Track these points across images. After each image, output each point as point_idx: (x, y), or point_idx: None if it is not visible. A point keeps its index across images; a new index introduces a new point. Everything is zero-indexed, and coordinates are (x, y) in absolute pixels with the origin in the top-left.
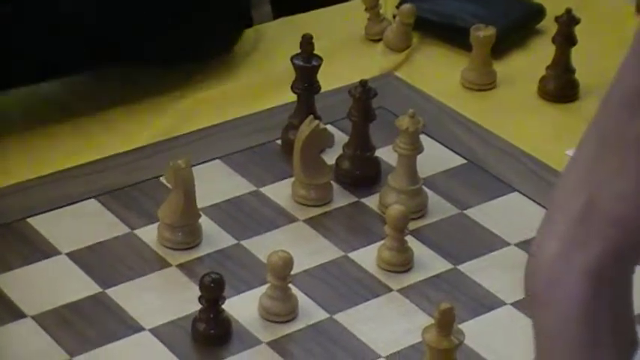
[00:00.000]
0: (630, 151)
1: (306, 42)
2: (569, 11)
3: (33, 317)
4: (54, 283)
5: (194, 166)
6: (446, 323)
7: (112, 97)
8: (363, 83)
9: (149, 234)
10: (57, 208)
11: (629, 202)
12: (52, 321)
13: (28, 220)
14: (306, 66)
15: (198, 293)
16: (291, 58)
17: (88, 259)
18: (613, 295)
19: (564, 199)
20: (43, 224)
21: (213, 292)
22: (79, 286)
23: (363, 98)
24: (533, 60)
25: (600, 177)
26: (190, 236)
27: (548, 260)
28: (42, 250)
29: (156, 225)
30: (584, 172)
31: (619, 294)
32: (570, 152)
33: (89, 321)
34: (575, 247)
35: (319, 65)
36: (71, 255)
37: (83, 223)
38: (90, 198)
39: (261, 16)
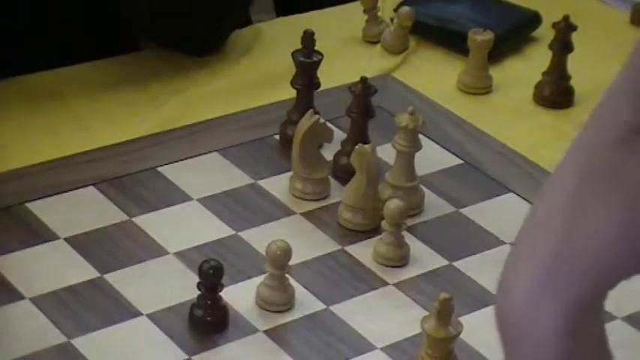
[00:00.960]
0: (619, 191)
1: (308, 37)
2: (566, 18)
3: (31, 299)
4: (52, 267)
5: (191, 157)
6: (445, 313)
7: (110, 89)
8: (363, 80)
9: (146, 221)
10: (55, 194)
11: (608, 248)
12: (50, 304)
13: (27, 205)
14: (307, 61)
15: (196, 281)
16: (292, 54)
17: (86, 244)
18: (586, 346)
19: (534, 238)
20: (41, 209)
21: (211, 279)
22: (78, 270)
23: (363, 95)
24: (529, 66)
25: (578, 217)
26: (369, 219)
27: (517, 307)
28: (40, 234)
29: (154, 213)
30: (559, 209)
31: (592, 344)
32: None
33: (87, 305)
34: (545, 296)
35: (320, 61)
36: (69, 240)
37: (81, 210)
38: (88, 185)
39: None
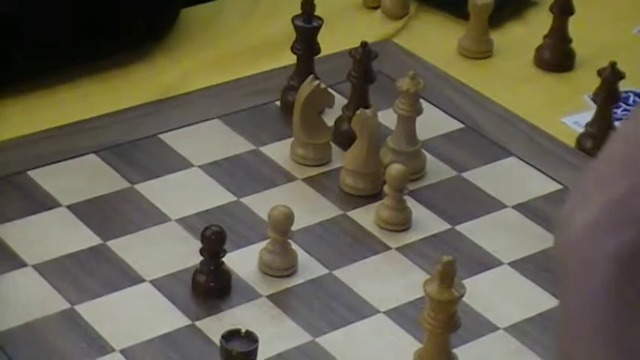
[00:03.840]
0: None
1: (308, 3)
2: None
3: (34, 267)
4: (55, 235)
5: (193, 124)
6: (447, 275)
7: (110, 57)
8: (363, 45)
9: (148, 188)
10: (57, 162)
11: None
12: (53, 271)
13: (29, 172)
14: (307, 27)
15: (198, 247)
16: (292, 19)
17: (88, 211)
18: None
19: (607, 175)
20: (43, 177)
21: (214, 245)
22: (80, 237)
23: (363, 59)
24: (529, 30)
25: None
26: (370, 184)
27: (580, 236)
28: (42, 202)
29: (156, 180)
30: (632, 152)
31: None
32: (565, 119)
33: (90, 272)
34: (609, 229)
35: (320, 26)
36: (71, 208)
37: (83, 177)
38: (90, 153)
39: None
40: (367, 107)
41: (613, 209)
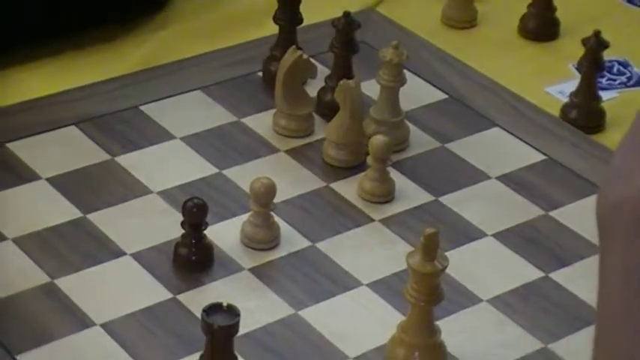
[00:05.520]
0: None
1: None
2: None
3: (13, 240)
4: (34, 207)
5: (174, 96)
6: (430, 248)
7: (91, 28)
8: (346, 14)
9: (129, 160)
10: (36, 133)
11: None
12: (32, 244)
13: (8, 145)
14: None
15: (180, 220)
16: None
17: (68, 184)
18: None
19: None
20: (22, 149)
21: (195, 217)
22: (60, 210)
23: (346, 30)
24: None
25: None
26: (353, 155)
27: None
28: (21, 174)
29: (137, 152)
30: None
31: None
32: (550, 89)
33: (70, 245)
34: None
35: None
36: (51, 180)
37: (63, 149)
38: (70, 125)
39: None
40: (350, 78)
41: None
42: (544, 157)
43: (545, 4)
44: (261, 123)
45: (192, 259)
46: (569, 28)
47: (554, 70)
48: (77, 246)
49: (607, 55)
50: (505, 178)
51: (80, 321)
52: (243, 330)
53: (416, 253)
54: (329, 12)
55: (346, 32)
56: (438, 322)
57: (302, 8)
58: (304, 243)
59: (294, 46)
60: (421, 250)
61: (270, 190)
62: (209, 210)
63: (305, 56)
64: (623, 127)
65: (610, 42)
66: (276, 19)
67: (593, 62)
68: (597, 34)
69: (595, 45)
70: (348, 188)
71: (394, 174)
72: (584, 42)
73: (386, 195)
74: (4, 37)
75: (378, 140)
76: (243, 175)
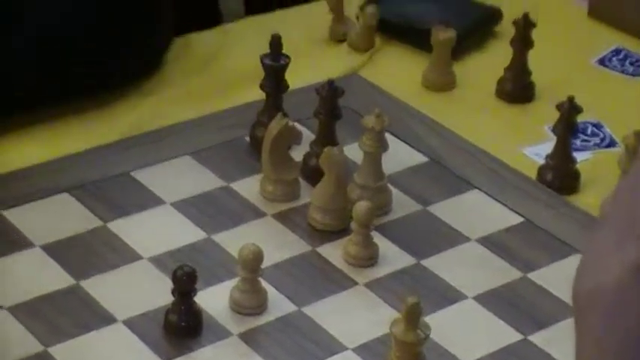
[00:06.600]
0: None
1: (275, 41)
2: (525, 15)
3: (8, 309)
4: (28, 276)
5: (164, 161)
6: (413, 317)
7: (80, 95)
8: (330, 82)
9: (120, 226)
10: (30, 201)
11: None
12: (26, 312)
13: (2, 212)
14: (275, 65)
15: (171, 286)
16: (261, 58)
17: (61, 251)
18: None
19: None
20: (16, 217)
21: (185, 285)
22: (53, 278)
23: (329, 96)
24: (491, 61)
25: None
26: (338, 220)
27: (620, 278)
28: (16, 242)
29: (128, 218)
30: None
31: None
32: (526, 151)
33: (63, 312)
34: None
35: (287, 64)
36: (45, 248)
37: (56, 217)
38: (62, 192)
39: (233, 12)
40: (334, 143)
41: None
42: (522, 220)
43: (521, 68)
44: (249, 187)
45: (182, 326)
46: (544, 91)
47: (530, 132)
48: (69, 314)
49: (581, 117)
50: (484, 241)
51: None
52: None
53: (399, 322)
54: (314, 76)
55: (330, 100)
56: None
57: (288, 71)
58: (291, 308)
59: (280, 114)
60: (404, 319)
61: (258, 257)
62: (198, 276)
63: (291, 124)
64: (597, 188)
65: (583, 104)
66: (263, 87)
67: (568, 126)
68: (571, 99)
69: (569, 110)
70: (333, 252)
71: (377, 238)
72: (559, 107)
73: (369, 259)
74: None
75: (361, 206)
76: (232, 240)
